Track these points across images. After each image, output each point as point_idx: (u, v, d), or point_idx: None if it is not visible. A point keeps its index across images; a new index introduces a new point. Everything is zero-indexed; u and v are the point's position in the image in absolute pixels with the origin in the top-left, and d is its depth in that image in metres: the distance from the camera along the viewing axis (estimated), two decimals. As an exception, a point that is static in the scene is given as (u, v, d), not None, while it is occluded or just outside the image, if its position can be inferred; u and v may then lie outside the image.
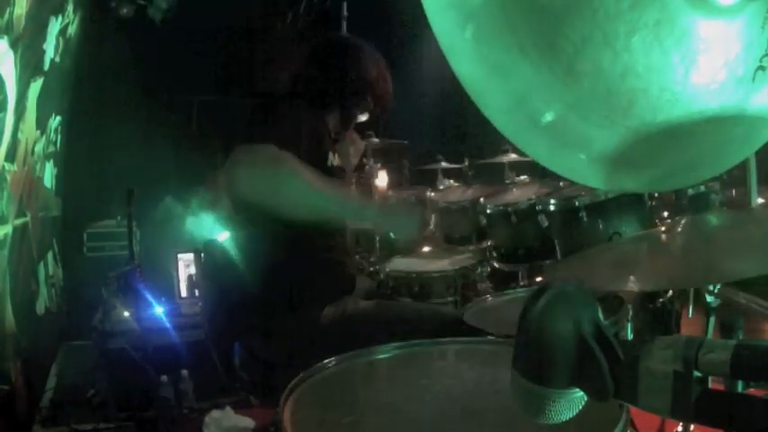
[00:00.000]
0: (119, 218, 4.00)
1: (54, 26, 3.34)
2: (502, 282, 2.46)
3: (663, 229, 1.12)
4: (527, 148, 1.00)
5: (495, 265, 2.50)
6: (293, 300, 1.78)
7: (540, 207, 2.25)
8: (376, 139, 3.68)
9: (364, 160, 3.80)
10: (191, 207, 3.46)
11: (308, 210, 1.65)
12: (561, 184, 2.38)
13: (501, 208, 2.45)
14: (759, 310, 1.01)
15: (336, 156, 1.96)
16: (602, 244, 1.81)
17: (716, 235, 1.01)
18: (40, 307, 3.23)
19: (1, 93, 2.40)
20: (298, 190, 1.65)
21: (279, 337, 1.76)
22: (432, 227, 2.96)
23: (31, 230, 3.04)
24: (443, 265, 2.46)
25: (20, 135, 2.78)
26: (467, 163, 3.54)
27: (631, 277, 1.00)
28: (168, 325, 3.02)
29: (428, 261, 2.58)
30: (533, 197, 2.38)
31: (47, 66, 3.26)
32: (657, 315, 1.71)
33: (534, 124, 0.90)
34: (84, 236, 4.12)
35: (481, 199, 2.70)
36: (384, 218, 1.81)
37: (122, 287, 3.12)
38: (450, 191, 3.39)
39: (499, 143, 3.26)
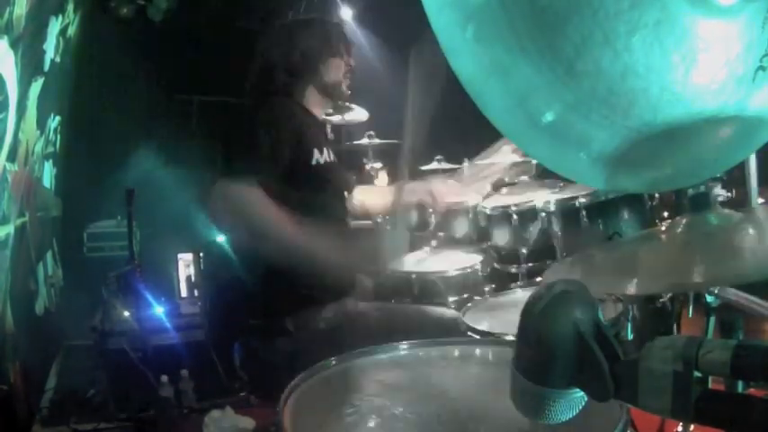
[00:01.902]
0: (119, 218, 4.00)
1: (54, 26, 3.34)
2: (502, 282, 2.46)
3: (663, 228, 1.12)
4: (527, 148, 1.00)
5: (495, 265, 2.50)
6: (293, 300, 1.77)
7: (540, 207, 2.25)
8: (376, 140, 3.68)
9: (364, 160, 3.80)
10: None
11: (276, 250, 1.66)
12: (561, 184, 2.38)
13: (501, 208, 2.45)
14: (759, 310, 1.01)
15: (327, 150, 1.93)
16: (601, 243, 1.81)
17: (716, 236, 1.00)
18: (40, 307, 3.23)
19: (2, 93, 2.40)
20: (263, 235, 1.66)
21: (279, 337, 1.76)
22: (432, 227, 2.95)
23: (29, 230, 3.04)
24: (443, 265, 2.46)
25: (21, 135, 2.78)
26: (466, 163, 3.53)
27: (633, 280, 1.00)
28: (168, 325, 3.02)
29: (428, 261, 2.58)
30: (533, 197, 2.37)
31: (47, 66, 3.25)
32: (657, 315, 1.71)
33: (534, 124, 0.90)
34: (84, 236, 4.12)
35: (481, 199, 2.69)
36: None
37: (122, 287, 3.12)
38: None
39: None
